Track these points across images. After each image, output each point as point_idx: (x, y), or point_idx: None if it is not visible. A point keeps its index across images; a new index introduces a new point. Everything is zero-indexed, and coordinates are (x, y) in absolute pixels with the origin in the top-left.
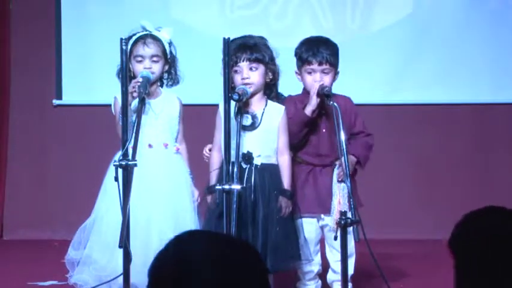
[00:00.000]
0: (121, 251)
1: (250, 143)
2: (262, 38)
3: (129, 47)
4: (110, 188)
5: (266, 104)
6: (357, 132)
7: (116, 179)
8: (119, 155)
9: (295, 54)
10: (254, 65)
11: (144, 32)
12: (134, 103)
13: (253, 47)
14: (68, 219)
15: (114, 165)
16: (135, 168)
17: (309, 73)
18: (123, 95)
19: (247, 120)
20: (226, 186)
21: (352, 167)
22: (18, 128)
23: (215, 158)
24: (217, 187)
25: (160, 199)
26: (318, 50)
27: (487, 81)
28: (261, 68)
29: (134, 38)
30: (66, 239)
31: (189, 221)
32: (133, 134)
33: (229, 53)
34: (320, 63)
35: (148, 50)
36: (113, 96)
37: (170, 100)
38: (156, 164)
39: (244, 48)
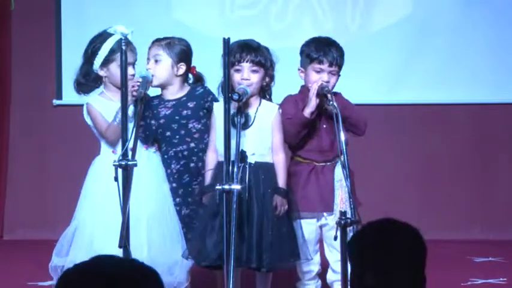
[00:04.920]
0: (108, 253)
1: (243, 141)
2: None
3: (106, 51)
4: (90, 192)
5: (260, 104)
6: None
7: (116, 179)
8: (98, 159)
9: (302, 52)
10: (256, 67)
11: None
12: (131, 108)
13: (257, 49)
14: (68, 219)
15: (114, 165)
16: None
17: (317, 72)
18: (122, 95)
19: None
20: (227, 186)
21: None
22: (18, 128)
23: (210, 158)
24: (218, 187)
25: (146, 199)
26: (330, 51)
27: (487, 81)
28: (261, 71)
29: (112, 42)
30: None
31: (174, 218)
32: (133, 135)
33: (229, 52)
34: (330, 64)
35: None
36: (85, 102)
37: None
38: (140, 166)
39: (249, 49)
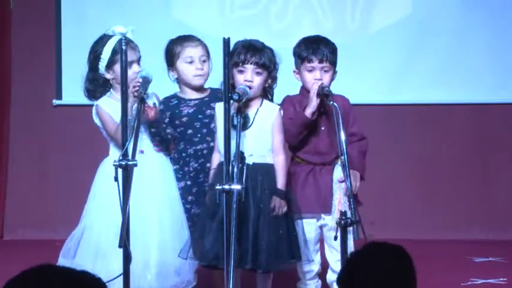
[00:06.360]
0: (115, 255)
1: (242, 142)
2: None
3: (109, 53)
4: (98, 194)
5: (261, 104)
6: (351, 133)
7: (116, 179)
8: (106, 161)
9: (294, 54)
10: (260, 70)
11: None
12: (134, 108)
13: (262, 51)
14: (68, 219)
15: (114, 165)
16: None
17: (309, 71)
18: (123, 95)
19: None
20: (227, 187)
21: (358, 182)
22: (18, 128)
23: (214, 158)
24: (217, 187)
25: (157, 202)
26: (319, 48)
27: (487, 81)
28: (265, 74)
29: (112, 43)
30: (66, 239)
31: (183, 219)
32: (133, 135)
33: (233, 52)
34: (321, 61)
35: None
36: (94, 104)
37: None
38: (150, 168)
39: (254, 51)
